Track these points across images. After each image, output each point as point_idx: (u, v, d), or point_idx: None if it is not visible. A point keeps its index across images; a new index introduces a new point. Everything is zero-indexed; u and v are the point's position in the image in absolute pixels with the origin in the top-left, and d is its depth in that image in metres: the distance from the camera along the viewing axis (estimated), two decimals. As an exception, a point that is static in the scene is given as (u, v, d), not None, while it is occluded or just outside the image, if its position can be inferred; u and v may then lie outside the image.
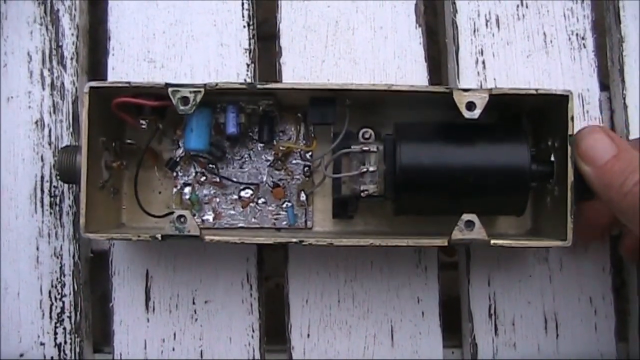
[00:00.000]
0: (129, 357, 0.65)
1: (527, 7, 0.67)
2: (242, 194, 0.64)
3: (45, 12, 0.67)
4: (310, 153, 0.64)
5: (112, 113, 0.58)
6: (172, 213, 0.60)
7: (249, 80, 0.67)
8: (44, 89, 0.66)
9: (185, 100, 0.56)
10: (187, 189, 0.64)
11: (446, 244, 0.55)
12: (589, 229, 0.62)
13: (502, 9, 0.67)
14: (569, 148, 0.55)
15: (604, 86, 0.68)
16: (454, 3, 0.68)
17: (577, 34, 0.67)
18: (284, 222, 0.64)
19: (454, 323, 0.67)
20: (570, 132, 0.55)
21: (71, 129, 0.66)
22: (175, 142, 0.64)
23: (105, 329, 0.67)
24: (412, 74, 0.67)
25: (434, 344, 0.65)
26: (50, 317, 0.65)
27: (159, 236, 0.56)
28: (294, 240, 0.56)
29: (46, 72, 0.66)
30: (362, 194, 0.58)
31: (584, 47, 0.67)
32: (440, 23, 0.72)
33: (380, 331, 0.65)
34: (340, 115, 0.59)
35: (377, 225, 0.64)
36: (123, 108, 0.58)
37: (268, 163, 0.64)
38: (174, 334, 0.65)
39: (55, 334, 0.65)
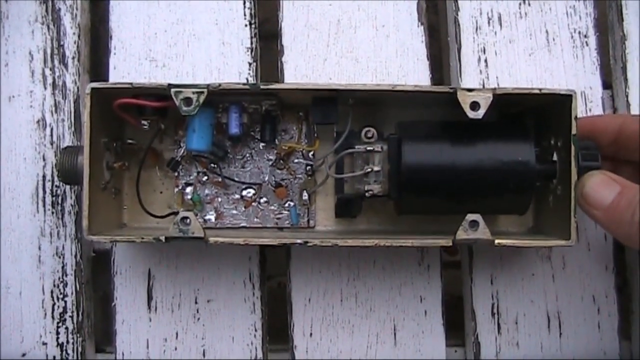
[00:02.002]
0: (131, 357, 0.65)
1: (529, 5, 0.67)
2: (244, 193, 0.64)
3: (46, 11, 0.67)
4: (312, 152, 0.63)
5: (114, 113, 0.58)
6: (174, 213, 0.60)
7: (250, 79, 0.66)
8: (45, 88, 0.66)
9: (188, 101, 0.55)
10: (188, 189, 0.63)
11: (450, 244, 0.55)
12: None
13: (505, 7, 0.67)
14: (573, 148, 0.55)
15: (607, 84, 0.68)
16: (457, 1, 0.67)
17: (579, 32, 0.67)
18: (287, 222, 0.63)
19: (456, 322, 0.67)
20: (574, 132, 0.55)
21: (73, 128, 0.66)
22: (177, 142, 0.63)
23: (107, 328, 0.67)
24: (414, 72, 0.67)
25: (437, 343, 0.65)
26: (53, 317, 0.65)
27: (162, 238, 0.55)
28: (298, 241, 0.56)
29: (48, 71, 0.66)
30: (366, 194, 0.58)
31: (587, 45, 0.67)
32: (442, 21, 0.72)
33: (383, 330, 0.65)
34: (342, 114, 0.58)
35: (379, 224, 0.64)
36: (125, 109, 0.58)
37: (270, 162, 0.64)
38: (176, 334, 0.65)
39: (58, 333, 0.65)
